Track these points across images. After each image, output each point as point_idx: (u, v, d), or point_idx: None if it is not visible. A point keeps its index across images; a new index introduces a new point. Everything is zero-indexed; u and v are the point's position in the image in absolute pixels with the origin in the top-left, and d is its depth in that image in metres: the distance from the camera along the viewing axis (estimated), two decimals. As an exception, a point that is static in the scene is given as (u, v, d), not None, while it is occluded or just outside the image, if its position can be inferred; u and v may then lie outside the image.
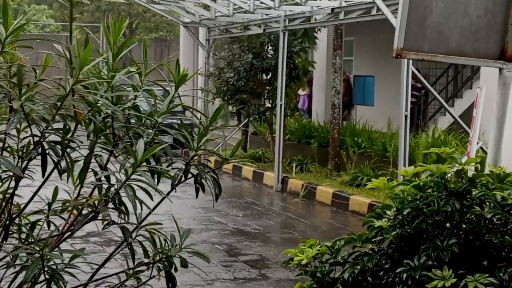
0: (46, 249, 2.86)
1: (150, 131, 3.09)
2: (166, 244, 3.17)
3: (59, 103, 2.96)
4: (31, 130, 2.98)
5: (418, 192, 3.20)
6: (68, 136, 3.04)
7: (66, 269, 3.05)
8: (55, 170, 3.09)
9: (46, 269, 2.87)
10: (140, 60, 3.26)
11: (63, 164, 3.06)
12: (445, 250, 2.96)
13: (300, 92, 20.73)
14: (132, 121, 3.18)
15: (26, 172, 3.07)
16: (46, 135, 2.96)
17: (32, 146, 3.04)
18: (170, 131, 3.18)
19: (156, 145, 2.95)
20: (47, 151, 2.97)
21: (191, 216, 11.52)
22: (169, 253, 3.13)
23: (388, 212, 3.24)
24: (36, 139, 2.99)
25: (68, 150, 3.01)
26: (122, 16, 3.14)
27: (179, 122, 3.36)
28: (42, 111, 2.91)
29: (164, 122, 3.23)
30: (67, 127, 3.04)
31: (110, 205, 3.06)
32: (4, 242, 3.10)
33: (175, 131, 3.18)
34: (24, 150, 3.10)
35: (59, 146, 2.97)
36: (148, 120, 3.16)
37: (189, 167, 3.18)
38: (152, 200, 3.08)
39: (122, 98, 3.21)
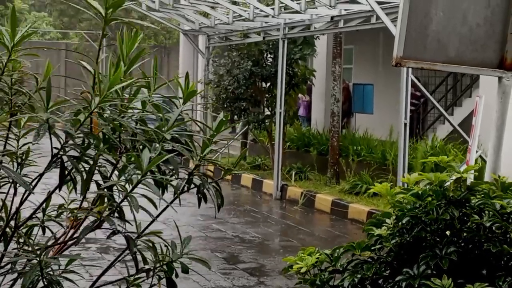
0: (44, 255, 2.85)
1: (158, 145, 3.08)
2: (167, 251, 3.17)
3: (82, 119, 2.96)
4: (51, 143, 2.98)
5: (417, 201, 3.20)
6: (89, 153, 3.04)
7: (65, 276, 3.04)
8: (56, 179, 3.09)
9: (44, 275, 2.87)
10: (146, 71, 3.27)
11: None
12: (444, 258, 2.95)
13: (301, 96, 20.78)
14: (139, 131, 3.18)
15: (26, 179, 3.07)
16: (67, 149, 2.96)
17: (31, 154, 3.05)
18: (175, 145, 3.17)
19: (160, 156, 2.94)
20: (65, 165, 2.97)
21: (190, 224, 11.51)
22: (170, 259, 3.13)
23: (387, 220, 3.24)
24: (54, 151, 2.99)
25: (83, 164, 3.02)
26: (137, 28, 3.14)
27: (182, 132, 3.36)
28: (68, 125, 2.91)
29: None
30: (87, 143, 3.03)
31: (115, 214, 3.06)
32: (6, 249, 3.10)
33: (178, 145, 3.17)
34: (24, 157, 3.10)
35: (76, 161, 2.97)
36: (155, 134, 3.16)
37: (192, 177, 3.18)
38: (157, 209, 3.08)
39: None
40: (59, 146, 2.95)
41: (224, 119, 3.26)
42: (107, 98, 2.92)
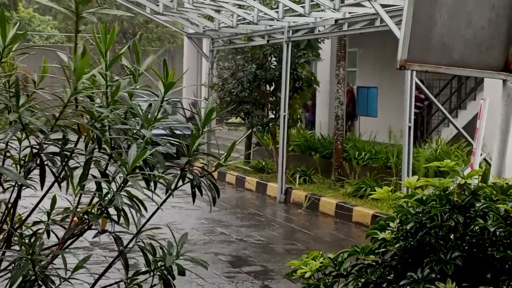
0: (36, 253, 2.84)
1: (141, 141, 3.04)
2: (163, 252, 3.15)
3: (57, 114, 2.95)
4: (29, 142, 2.97)
5: (421, 206, 3.19)
6: (70, 147, 3.02)
7: (68, 279, 3.04)
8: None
9: (37, 273, 2.85)
10: (152, 72, 3.25)
11: (62, 173, 3.05)
12: (449, 263, 2.94)
13: None
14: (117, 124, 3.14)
15: (29, 182, 3.06)
16: (44, 146, 2.94)
17: (31, 157, 3.05)
18: (161, 142, 3.13)
19: (145, 151, 2.91)
20: (45, 162, 2.96)
21: (194, 227, 11.50)
22: (167, 263, 3.10)
23: (391, 224, 3.23)
24: (34, 150, 2.98)
25: (67, 160, 3.00)
26: (114, 26, 3.11)
27: (178, 132, 3.33)
28: (39, 123, 2.90)
29: (162, 132, 3.20)
30: (66, 137, 3.02)
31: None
32: (6, 252, 3.09)
33: (163, 137, 3.12)
34: (26, 160, 3.10)
35: (58, 157, 2.96)
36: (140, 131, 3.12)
37: (185, 172, 3.14)
38: (145, 208, 3.05)
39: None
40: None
41: (211, 109, 3.19)
42: (78, 90, 2.90)
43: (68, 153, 2.99)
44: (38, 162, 2.95)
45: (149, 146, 3.02)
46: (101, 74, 3.06)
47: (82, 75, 2.89)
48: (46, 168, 3.00)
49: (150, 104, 3.14)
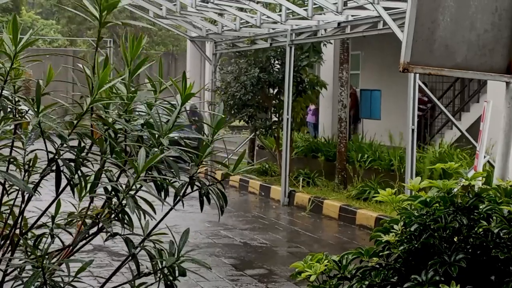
0: (46, 261, 2.84)
1: (156, 149, 3.05)
2: (165, 254, 3.15)
3: (75, 121, 2.96)
4: (46, 147, 2.98)
5: (424, 208, 3.19)
6: (83, 154, 3.03)
7: (72, 283, 3.04)
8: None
9: (47, 281, 2.86)
10: (152, 76, 3.26)
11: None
12: (453, 265, 2.94)
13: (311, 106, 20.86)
14: (145, 137, 3.16)
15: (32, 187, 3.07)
16: (61, 152, 2.95)
17: (39, 161, 3.05)
18: (174, 148, 3.14)
19: (156, 155, 2.91)
20: (61, 168, 2.96)
21: (198, 230, 11.51)
22: (168, 263, 3.10)
23: (395, 226, 3.23)
24: (49, 155, 2.98)
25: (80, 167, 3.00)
26: (141, 34, 3.13)
27: (186, 136, 3.34)
28: (60, 128, 2.91)
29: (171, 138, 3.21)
30: (82, 145, 3.03)
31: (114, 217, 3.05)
32: (12, 256, 3.09)
33: (177, 147, 3.13)
34: (31, 164, 3.10)
35: (73, 164, 2.96)
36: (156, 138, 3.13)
37: (194, 180, 3.15)
38: (155, 211, 3.06)
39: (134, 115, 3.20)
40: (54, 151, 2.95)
41: (221, 119, 3.22)
42: (98, 98, 2.91)
43: (83, 160, 3.00)
44: (53, 168, 2.95)
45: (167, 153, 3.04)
46: (124, 83, 3.08)
47: (103, 84, 2.90)
48: (60, 175, 3.00)
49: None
